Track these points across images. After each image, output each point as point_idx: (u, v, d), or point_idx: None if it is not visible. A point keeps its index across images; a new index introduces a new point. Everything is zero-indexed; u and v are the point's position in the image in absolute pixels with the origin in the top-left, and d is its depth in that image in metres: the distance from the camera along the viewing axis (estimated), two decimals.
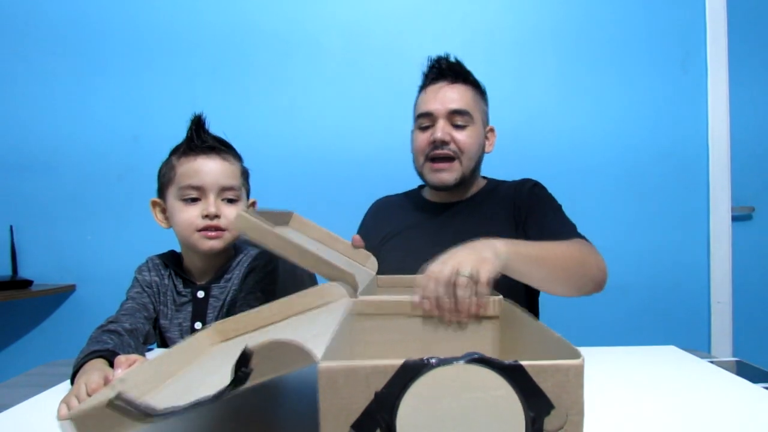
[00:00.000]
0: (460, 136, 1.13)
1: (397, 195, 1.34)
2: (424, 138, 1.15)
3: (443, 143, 1.12)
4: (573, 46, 1.83)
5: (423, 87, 1.20)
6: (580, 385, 0.37)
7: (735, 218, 1.88)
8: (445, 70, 1.17)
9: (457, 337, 0.65)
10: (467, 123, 1.14)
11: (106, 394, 0.40)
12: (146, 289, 0.98)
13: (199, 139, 0.95)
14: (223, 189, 0.94)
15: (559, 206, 1.16)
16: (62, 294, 1.79)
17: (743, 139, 1.88)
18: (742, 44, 1.88)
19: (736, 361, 0.86)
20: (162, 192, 0.98)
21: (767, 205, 1.93)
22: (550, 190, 1.20)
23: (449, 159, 1.13)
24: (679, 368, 0.81)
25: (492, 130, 1.23)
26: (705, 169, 1.83)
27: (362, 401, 0.37)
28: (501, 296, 0.67)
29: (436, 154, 1.13)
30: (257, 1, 1.80)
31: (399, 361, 0.37)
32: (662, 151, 1.83)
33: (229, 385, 0.37)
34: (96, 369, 0.68)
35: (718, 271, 1.83)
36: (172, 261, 1.02)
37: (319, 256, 0.66)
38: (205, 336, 0.63)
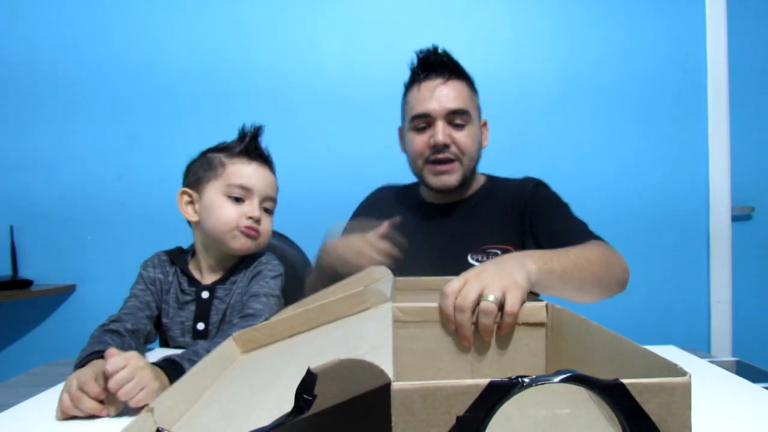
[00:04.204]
0: (460, 136, 1.09)
1: (397, 188, 1.29)
2: (422, 140, 1.10)
3: (444, 146, 1.08)
4: (572, 47, 1.83)
5: (414, 83, 1.13)
6: (688, 406, 0.33)
7: (735, 218, 1.88)
8: (437, 64, 1.11)
9: (501, 346, 0.61)
10: (466, 122, 1.10)
11: (140, 427, 0.37)
12: (150, 286, 0.98)
13: (256, 148, 1.01)
14: (266, 198, 0.99)
15: (566, 204, 1.13)
16: (62, 294, 1.79)
17: (743, 139, 1.88)
18: (742, 45, 1.88)
19: (736, 361, 0.86)
20: (197, 184, 0.98)
21: (767, 205, 1.94)
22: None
23: (450, 161, 1.09)
24: None
25: (485, 123, 1.18)
26: (705, 169, 1.83)
27: (442, 426, 0.32)
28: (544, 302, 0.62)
29: (437, 157, 1.09)
30: (256, 6, 1.81)
31: (484, 381, 0.32)
32: (662, 152, 1.83)
33: (290, 414, 0.33)
34: (95, 368, 0.67)
35: (718, 271, 1.83)
36: (179, 258, 1.02)
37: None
38: (229, 347, 0.59)
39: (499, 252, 1.10)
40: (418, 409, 0.32)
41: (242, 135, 1.01)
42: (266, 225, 1.00)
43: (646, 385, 0.33)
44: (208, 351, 0.74)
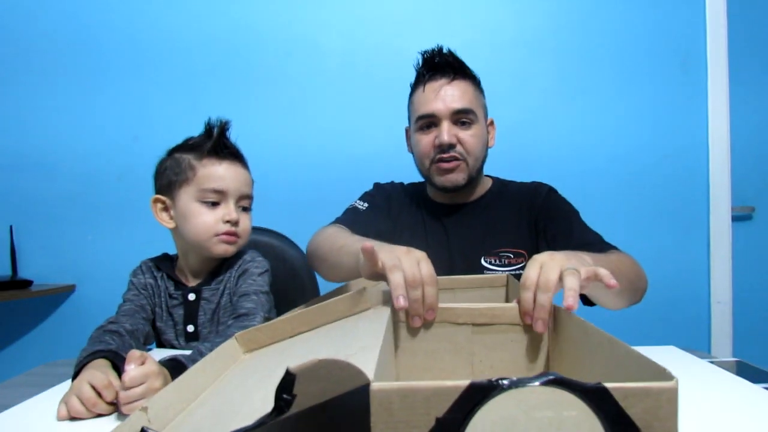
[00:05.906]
0: (466, 136, 1.08)
1: (402, 186, 1.28)
2: (428, 141, 1.10)
3: (450, 146, 1.07)
4: (573, 47, 1.83)
5: (419, 84, 1.13)
6: (674, 413, 0.32)
7: (735, 218, 1.88)
8: (442, 64, 1.10)
9: (504, 347, 0.61)
10: (471, 121, 1.09)
11: (132, 426, 0.37)
12: (142, 291, 0.98)
13: (225, 146, 0.96)
14: (242, 197, 0.97)
15: (577, 211, 1.14)
16: (62, 294, 1.79)
17: (743, 139, 1.88)
18: (742, 44, 1.88)
19: (736, 361, 0.86)
20: (169, 190, 0.95)
21: (767, 205, 1.93)
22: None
23: (456, 160, 1.09)
24: (679, 368, 0.80)
25: (492, 122, 1.18)
26: (705, 170, 1.83)
27: (421, 427, 0.32)
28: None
29: (442, 157, 1.08)
30: (256, 3, 1.81)
31: (464, 383, 0.32)
32: (662, 152, 1.83)
33: (270, 414, 0.33)
34: (99, 369, 0.68)
35: (718, 272, 1.83)
36: (164, 264, 1.02)
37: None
38: (229, 348, 0.58)
39: (512, 255, 1.11)
40: (396, 410, 0.32)
41: (209, 131, 0.97)
42: (245, 224, 0.98)
43: (630, 390, 0.32)
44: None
